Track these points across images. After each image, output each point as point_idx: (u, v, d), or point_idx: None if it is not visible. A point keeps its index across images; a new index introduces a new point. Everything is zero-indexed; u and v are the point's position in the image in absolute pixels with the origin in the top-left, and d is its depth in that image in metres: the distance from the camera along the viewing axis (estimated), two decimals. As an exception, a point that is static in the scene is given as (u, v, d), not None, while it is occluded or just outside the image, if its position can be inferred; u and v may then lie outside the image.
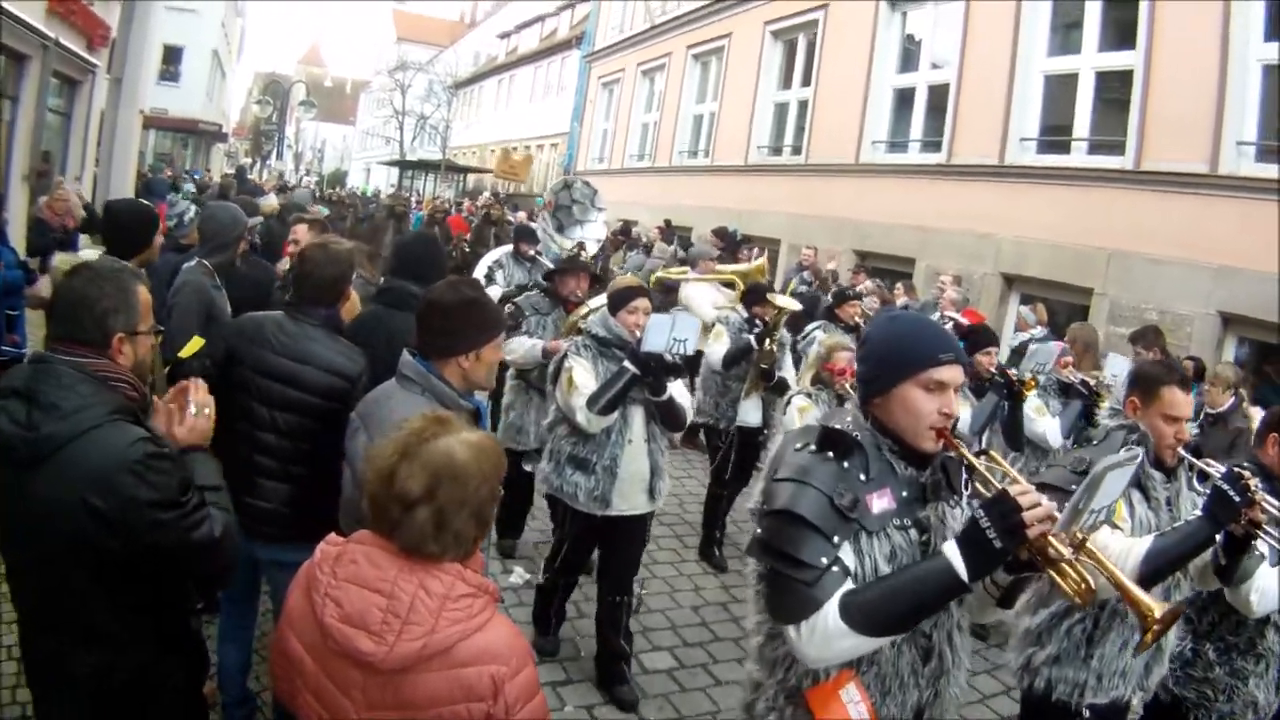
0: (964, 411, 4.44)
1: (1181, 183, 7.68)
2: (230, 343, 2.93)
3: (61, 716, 2.02)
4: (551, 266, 5.72)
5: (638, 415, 3.81)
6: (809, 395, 4.31)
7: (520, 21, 35.38)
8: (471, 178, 33.13)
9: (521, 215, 14.97)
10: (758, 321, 5.50)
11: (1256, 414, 4.77)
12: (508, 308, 4.97)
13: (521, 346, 4.87)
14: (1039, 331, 7.57)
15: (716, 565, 5.48)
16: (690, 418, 4.00)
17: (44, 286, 6.23)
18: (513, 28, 36.30)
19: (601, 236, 7.33)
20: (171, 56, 28.49)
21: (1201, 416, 5.62)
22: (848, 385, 4.14)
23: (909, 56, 11.77)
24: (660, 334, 3.53)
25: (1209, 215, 7.44)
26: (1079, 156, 8.98)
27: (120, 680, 1.96)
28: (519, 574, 4.92)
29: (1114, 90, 8.73)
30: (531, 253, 6.61)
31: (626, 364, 3.61)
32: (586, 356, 3.79)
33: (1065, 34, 9.50)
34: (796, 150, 13.59)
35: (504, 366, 5.55)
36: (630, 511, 3.83)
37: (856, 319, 6.40)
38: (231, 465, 2.42)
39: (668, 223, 14.70)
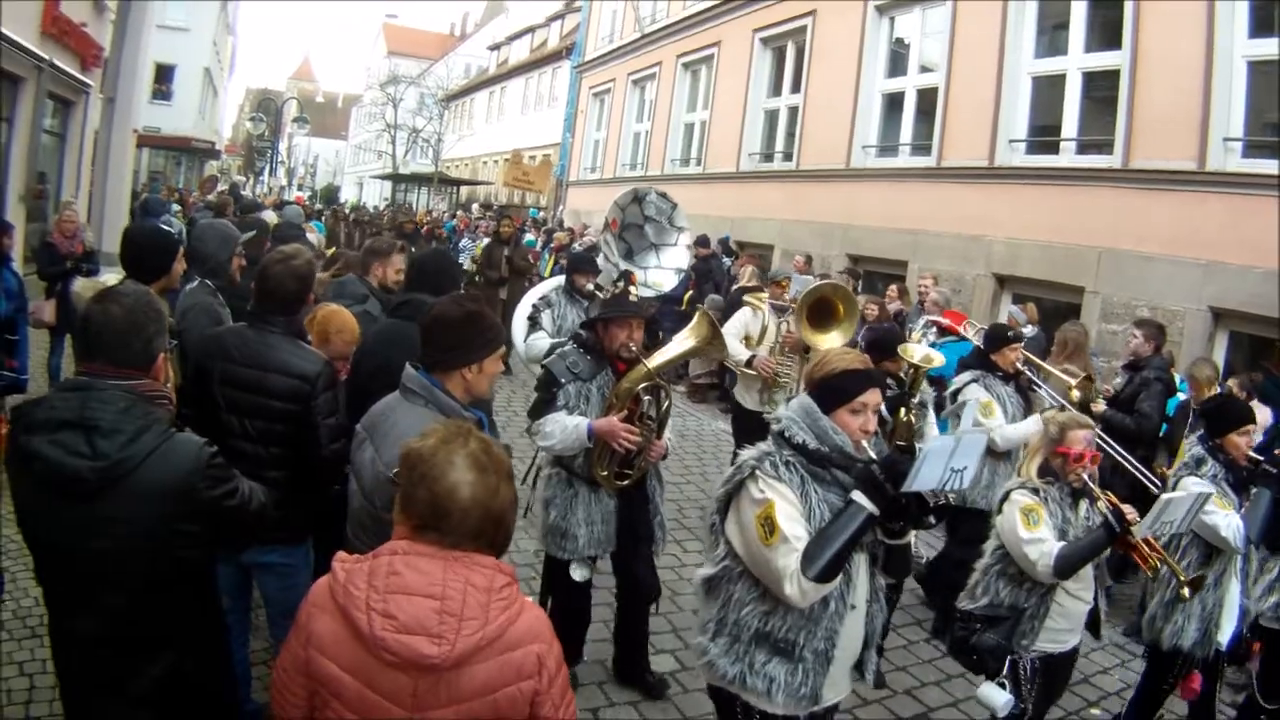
0: (1226, 517, 3.46)
1: (1170, 180, 7.77)
2: (197, 360, 3.00)
3: None
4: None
5: (862, 567, 2.51)
6: (1036, 491, 3.21)
7: (510, 33, 35.56)
8: (464, 190, 33.29)
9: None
10: (888, 382, 4.07)
11: (1260, 412, 4.47)
12: (539, 370, 3.85)
13: (559, 429, 3.52)
14: (1030, 330, 7.60)
15: None
16: None
17: (47, 310, 6.20)
18: (503, 39, 36.52)
19: (684, 265, 5.55)
20: (163, 75, 28.61)
21: (1191, 414, 5.68)
22: (1085, 475, 3.22)
23: (897, 60, 11.87)
24: (936, 467, 2.35)
25: (1198, 212, 7.52)
26: (1068, 156, 9.06)
27: (184, 685, 2.11)
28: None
29: (1101, 90, 8.83)
30: (589, 287, 5.28)
31: (858, 498, 2.34)
32: (790, 482, 2.40)
33: (1052, 35, 9.60)
34: (787, 156, 13.68)
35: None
36: (835, 700, 2.59)
37: (1018, 365, 5.10)
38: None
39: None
